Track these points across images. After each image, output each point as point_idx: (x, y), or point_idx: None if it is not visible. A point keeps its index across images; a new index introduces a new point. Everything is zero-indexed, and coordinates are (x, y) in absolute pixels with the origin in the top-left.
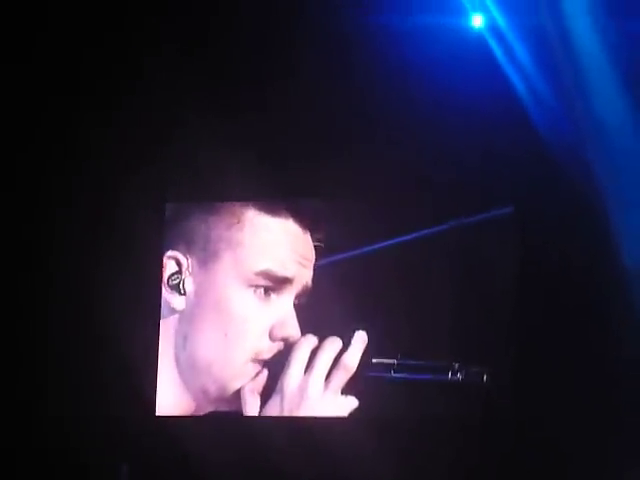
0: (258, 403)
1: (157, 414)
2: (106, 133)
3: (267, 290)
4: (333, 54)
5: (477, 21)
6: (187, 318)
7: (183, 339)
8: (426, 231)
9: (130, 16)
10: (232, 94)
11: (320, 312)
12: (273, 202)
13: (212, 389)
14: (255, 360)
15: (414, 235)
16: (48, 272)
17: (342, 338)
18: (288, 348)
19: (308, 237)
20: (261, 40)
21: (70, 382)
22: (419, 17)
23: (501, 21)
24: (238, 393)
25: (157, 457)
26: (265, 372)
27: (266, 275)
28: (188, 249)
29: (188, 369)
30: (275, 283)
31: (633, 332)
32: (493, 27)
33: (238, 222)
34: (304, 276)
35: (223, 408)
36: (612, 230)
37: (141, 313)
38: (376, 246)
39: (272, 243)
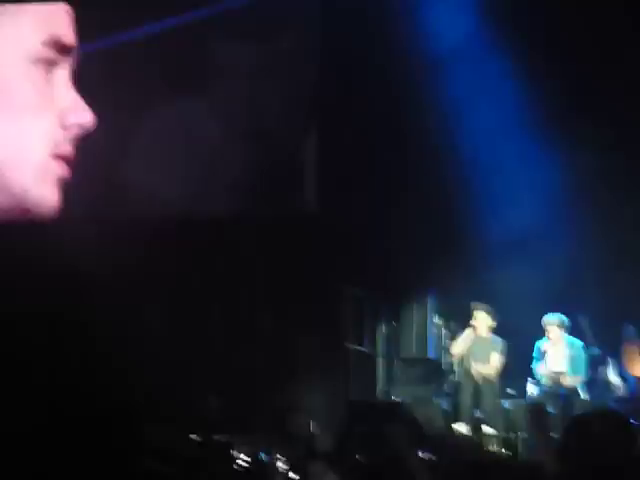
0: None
1: None
2: None
3: (48, 65)
4: None
5: None
6: None
7: None
8: None
9: None
10: None
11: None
12: None
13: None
14: (54, 156)
15: None
16: None
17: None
18: (85, 135)
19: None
20: None
21: None
22: None
23: None
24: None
25: None
26: (65, 167)
27: (52, 43)
28: None
29: None
30: (59, 53)
31: None
32: None
33: None
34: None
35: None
36: None
37: None
38: None
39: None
